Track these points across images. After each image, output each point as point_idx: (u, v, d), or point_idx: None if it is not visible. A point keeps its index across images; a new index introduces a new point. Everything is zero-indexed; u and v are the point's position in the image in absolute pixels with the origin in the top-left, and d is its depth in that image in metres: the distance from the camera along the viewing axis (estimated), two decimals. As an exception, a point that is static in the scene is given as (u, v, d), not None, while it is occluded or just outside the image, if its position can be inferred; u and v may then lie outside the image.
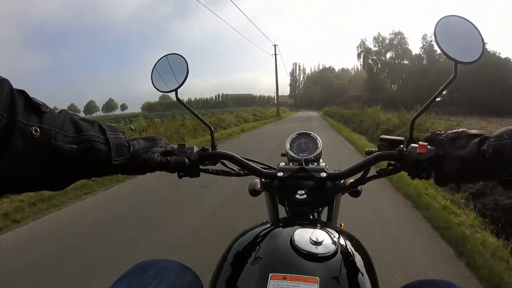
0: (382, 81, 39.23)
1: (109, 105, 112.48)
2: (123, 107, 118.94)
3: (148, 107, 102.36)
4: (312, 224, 0.50)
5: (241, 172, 0.67)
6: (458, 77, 0.48)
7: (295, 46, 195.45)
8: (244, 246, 0.49)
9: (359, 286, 0.41)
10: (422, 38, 33.40)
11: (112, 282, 0.50)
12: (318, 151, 0.69)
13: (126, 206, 3.21)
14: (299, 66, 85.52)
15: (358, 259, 0.45)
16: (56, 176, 0.44)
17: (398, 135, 0.58)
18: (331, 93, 56.94)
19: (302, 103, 72.20)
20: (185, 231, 2.39)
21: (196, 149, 0.61)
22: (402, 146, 0.53)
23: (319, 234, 0.44)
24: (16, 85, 0.38)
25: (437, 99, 0.53)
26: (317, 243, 0.43)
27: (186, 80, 0.62)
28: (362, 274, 0.43)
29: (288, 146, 0.72)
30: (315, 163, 0.63)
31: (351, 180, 0.62)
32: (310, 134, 0.74)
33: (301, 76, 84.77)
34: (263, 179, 0.63)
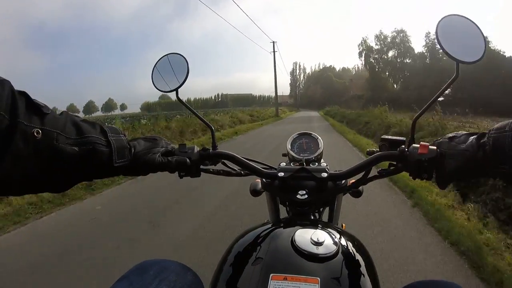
0: (384, 80, 38.56)
1: (109, 105, 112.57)
2: (123, 107, 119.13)
3: (147, 107, 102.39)
4: (313, 225, 0.49)
5: (242, 172, 0.66)
6: (460, 76, 0.48)
7: (295, 46, 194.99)
8: (245, 247, 0.49)
9: (360, 287, 0.41)
10: (425, 36, 33.05)
11: (112, 282, 0.49)
12: (319, 151, 0.69)
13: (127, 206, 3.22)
14: (299, 66, 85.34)
15: (359, 259, 0.45)
16: (58, 178, 0.44)
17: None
18: (332, 92, 56.62)
19: (303, 103, 71.85)
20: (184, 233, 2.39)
21: (196, 149, 0.61)
22: (403, 146, 0.53)
23: (320, 234, 0.44)
24: (16, 85, 0.37)
25: (439, 99, 0.53)
26: (318, 244, 0.42)
27: (187, 80, 0.62)
28: (363, 274, 0.43)
29: (289, 146, 0.72)
30: (316, 163, 0.63)
31: (352, 180, 0.62)
32: (311, 134, 0.74)
33: (302, 75, 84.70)
34: (264, 179, 0.63)
